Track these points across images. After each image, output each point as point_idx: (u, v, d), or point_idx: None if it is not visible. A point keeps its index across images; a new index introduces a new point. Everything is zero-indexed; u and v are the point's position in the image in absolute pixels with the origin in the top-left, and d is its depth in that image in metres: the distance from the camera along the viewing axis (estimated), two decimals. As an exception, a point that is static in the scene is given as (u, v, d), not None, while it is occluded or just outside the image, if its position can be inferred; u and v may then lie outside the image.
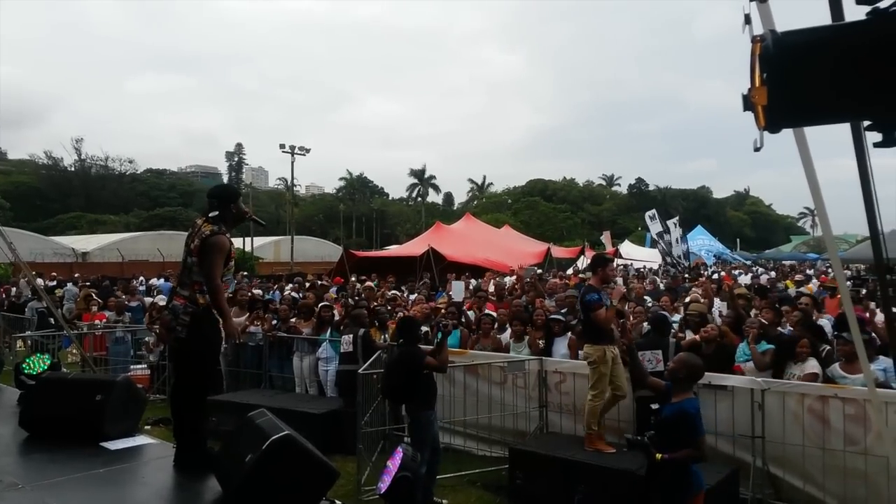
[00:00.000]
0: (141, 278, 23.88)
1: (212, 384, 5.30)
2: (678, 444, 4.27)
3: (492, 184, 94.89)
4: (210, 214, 4.34)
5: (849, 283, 15.61)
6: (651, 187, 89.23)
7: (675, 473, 4.33)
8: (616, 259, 30.39)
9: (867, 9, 1.77)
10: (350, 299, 12.09)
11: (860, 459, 5.80)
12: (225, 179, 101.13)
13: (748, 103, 1.74)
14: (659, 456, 4.26)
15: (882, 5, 1.69)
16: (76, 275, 27.58)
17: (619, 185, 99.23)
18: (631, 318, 8.04)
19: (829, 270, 27.52)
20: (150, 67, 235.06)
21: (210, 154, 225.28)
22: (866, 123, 2.12)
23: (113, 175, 76.56)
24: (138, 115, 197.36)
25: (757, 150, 1.78)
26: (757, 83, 1.70)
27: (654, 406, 4.67)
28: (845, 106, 1.89)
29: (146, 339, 11.61)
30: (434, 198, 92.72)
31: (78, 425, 4.65)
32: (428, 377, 6.17)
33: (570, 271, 25.30)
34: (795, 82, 1.75)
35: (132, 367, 11.34)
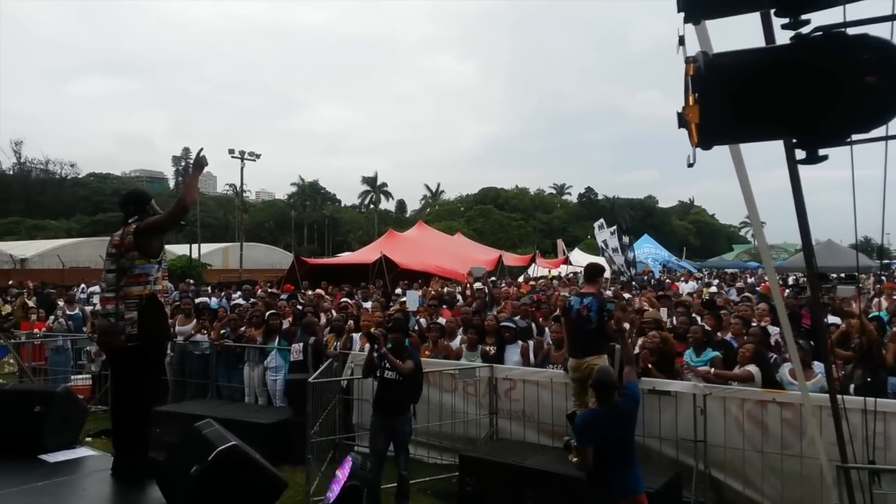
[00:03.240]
0: (82, 286, 23.12)
1: (157, 391, 5.22)
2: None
3: (444, 191, 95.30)
4: (130, 221, 4.37)
5: (788, 290, 16.21)
6: (600, 196, 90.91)
7: (589, 480, 4.64)
8: (567, 266, 30.88)
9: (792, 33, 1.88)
10: (300, 307, 11.96)
11: (796, 462, 6.04)
12: (171, 184, 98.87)
13: (682, 121, 1.83)
14: (573, 459, 4.53)
15: (805, 31, 1.80)
16: (10, 282, 26.55)
17: (569, 193, 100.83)
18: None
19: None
20: (90, 70, 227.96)
21: (155, 158, 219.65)
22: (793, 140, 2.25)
23: (54, 179, 74.19)
24: (78, 119, 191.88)
25: (690, 165, 1.87)
26: (690, 102, 1.79)
27: (568, 412, 4.83)
28: (771, 125, 2.00)
29: (87, 348, 11.28)
30: (386, 205, 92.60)
31: (16, 438, 4.47)
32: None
33: (521, 279, 25.57)
34: (725, 102, 1.84)
35: (73, 377, 11.01)
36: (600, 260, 34.28)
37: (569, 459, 4.58)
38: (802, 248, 3.33)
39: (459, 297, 13.68)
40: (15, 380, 10.82)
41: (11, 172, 71.68)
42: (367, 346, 6.98)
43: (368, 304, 12.38)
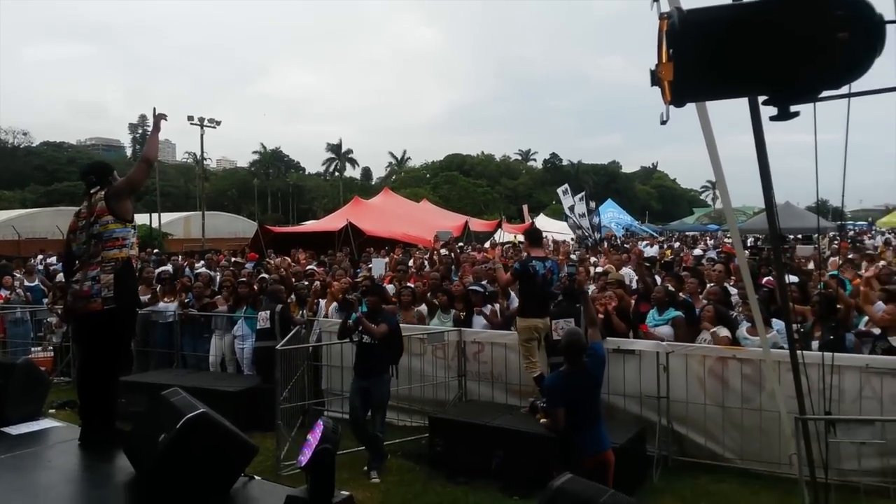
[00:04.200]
0: (40, 257, 22.51)
1: (127, 358, 5.19)
2: None
3: (410, 158, 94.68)
4: (92, 191, 4.34)
5: (747, 251, 16.59)
6: (565, 162, 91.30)
7: (555, 441, 4.79)
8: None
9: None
10: (266, 275, 11.84)
11: (755, 415, 6.25)
12: (129, 153, 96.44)
13: (655, 78, 1.82)
14: (541, 420, 4.60)
15: (777, -15, 1.80)
16: (-34, 254, 25.74)
17: (534, 160, 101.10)
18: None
19: (728, 240, 29.11)
20: (43, 36, 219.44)
21: (110, 126, 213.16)
22: (762, 98, 2.26)
23: (6, 148, 71.69)
24: (30, 86, 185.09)
25: (663, 123, 1.87)
26: (663, 59, 1.78)
27: (535, 374, 4.87)
28: (745, 81, 2.00)
29: (48, 319, 11.03)
30: (351, 172, 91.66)
31: (-25, 411, 4.39)
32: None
33: (487, 244, 25.67)
34: (698, 58, 1.84)
35: (33, 349, 10.78)
36: (564, 225, 34.65)
37: (537, 421, 4.64)
38: (765, 206, 3.39)
39: (426, 263, 13.65)
40: (-28, 353, 10.55)
41: (-40, 142, 69.08)
42: (341, 310, 7.02)
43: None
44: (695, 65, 1.81)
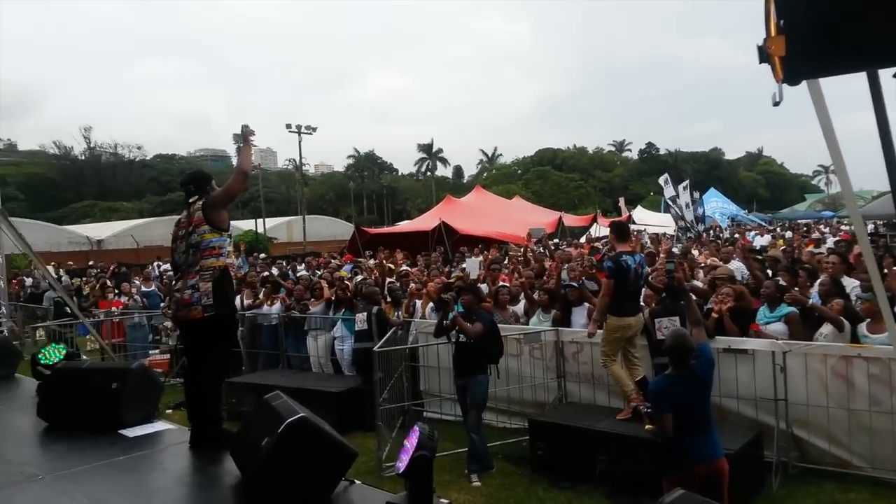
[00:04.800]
0: (157, 263, 23.98)
1: (229, 362, 5.39)
2: None
3: (501, 155, 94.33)
4: (191, 200, 4.45)
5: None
6: (661, 151, 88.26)
7: (661, 448, 4.49)
8: (630, 225, 30.19)
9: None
10: (363, 277, 12.05)
11: (886, 419, 5.72)
12: (234, 161, 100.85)
13: (764, 55, 1.62)
14: (647, 427, 4.33)
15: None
16: (91, 262, 27.78)
17: (629, 150, 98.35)
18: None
19: (846, 227, 27.15)
20: (146, 53, 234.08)
21: (214, 137, 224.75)
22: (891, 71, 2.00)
23: (123, 162, 77.01)
24: (139, 101, 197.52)
25: (776, 104, 1.66)
26: (773, 32, 1.58)
27: (638, 378, 4.62)
28: (870, 53, 1.75)
29: (164, 323, 11.67)
30: (443, 171, 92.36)
31: (96, 414, 4.65)
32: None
33: (583, 239, 25.15)
34: (814, 29, 1.61)
35: (151, 351, 11.43)
36: (663, 217, 33.43)
37: (644, 429, 4.39)
38: (891, 189, 3.05)
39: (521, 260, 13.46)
40: (98, 357, 11.30)
41: (83, 158, 74.67)
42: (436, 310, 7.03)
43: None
44: (810, 36, 1.58)
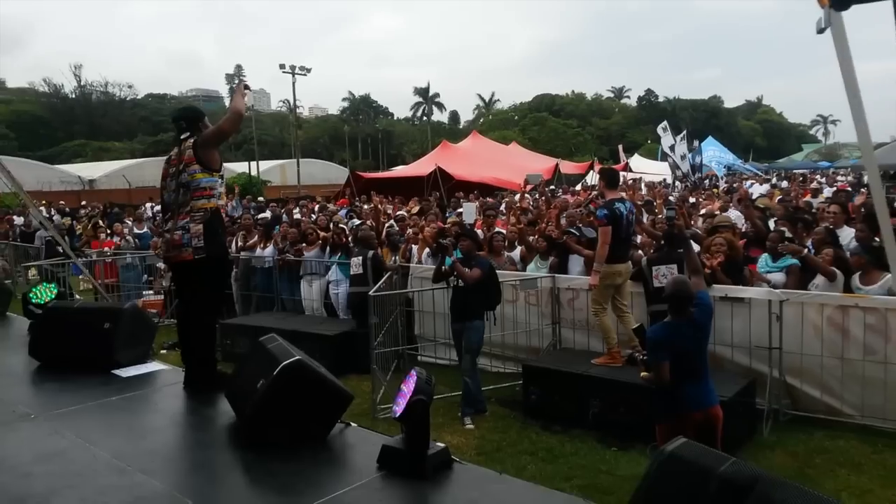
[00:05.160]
0: (149, 205, 23.76)
1: (221, 305, 5.34)
2: None
3: (498, 100, 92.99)
4: (182, 137, 4.29)
5: (863, 189, 15.30)
6: (661, 98, 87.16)
7: (654, 393, 4.45)
8: (626, 173, 29.99)
9: None
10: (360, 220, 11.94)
11: (879, 368, 5.75)
12: (227, 102, 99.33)
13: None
14: (642, 374, 4.31)
15: None
16: (83, 203, 27.53)
17: (628, 97, 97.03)
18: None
19: (840, 178, 27.00)
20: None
21: (205, 76, 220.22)
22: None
23: (114, 101, 75.66)
24: (130, 40, 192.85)
25: (821, 31, 1.54)
26: None
27: (635, 325, 4.60)
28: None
29: (158, 264, 11.60)
30: (439, 116, 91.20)
31: (88, 354, 4.60)
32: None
33: (579, 186, 25.00)
34: None
35: (144, 292, 11.39)
36: (660, 165, 33.17)
37: (639, 376, 4.37)
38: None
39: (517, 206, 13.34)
40: (91, 297, 11.26)
41: (74, 96, 73.33)
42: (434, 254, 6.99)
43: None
44: None
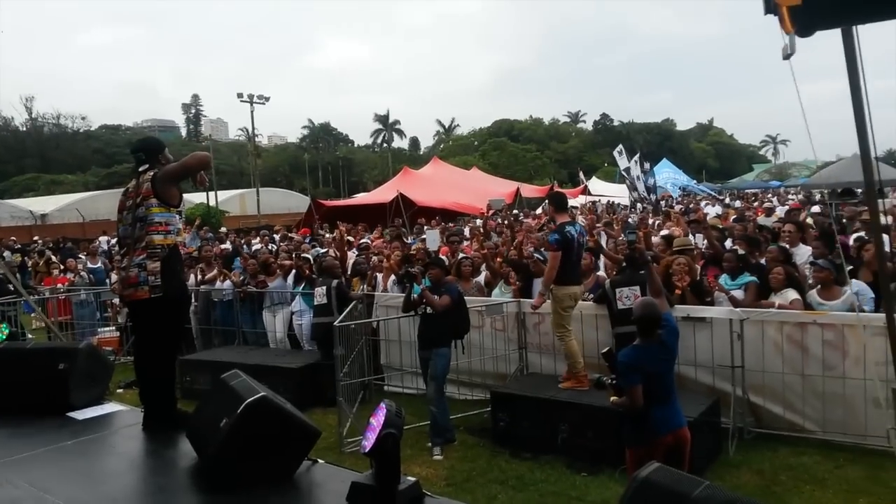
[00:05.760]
0: (104, 238, 23.19)
1: (180, 342, 5.19)
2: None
3: (458, 126, 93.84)
4: (140, 169, 4.19)
5: (816, 207, 15.78)
6: (616, 122, 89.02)
7: (623, 418, 4.43)
8: (586, 196, 30.45)
9: None
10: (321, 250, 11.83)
11: (838, 384, 5.88)
12: (183, 132, 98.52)
13: (771, 5, 1.52)
14: (612, 399, 4.30)
15: None
16: (35, 237, 26.75)
17: (584, 121, 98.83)
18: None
19: (791, 197, 27.81)
20: (95, 20, 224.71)
21: (161, 107, 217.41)
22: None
23: (66, 133, 74.04)
24: (84, 71, 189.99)
25: (787, 57, 1.57)
26: None
27: (604, 350, 4.62)
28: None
29: (112, 300, 11.29)
30: (400, 143, 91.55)
31: (42, 396, 4.41)
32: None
33: (538, 210, 25.25)
34: None
35: (100, 329, 11.06)
36: (618, 187, 33.75)
37: (609, 401, 4.34)
38: (861, 156, 3.03)
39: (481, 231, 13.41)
40: (44, 336, 10.88)
41: (25, 129, 71.62)
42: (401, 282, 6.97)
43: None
44: None
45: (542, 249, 8.49)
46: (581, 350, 6.84)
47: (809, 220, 10.22)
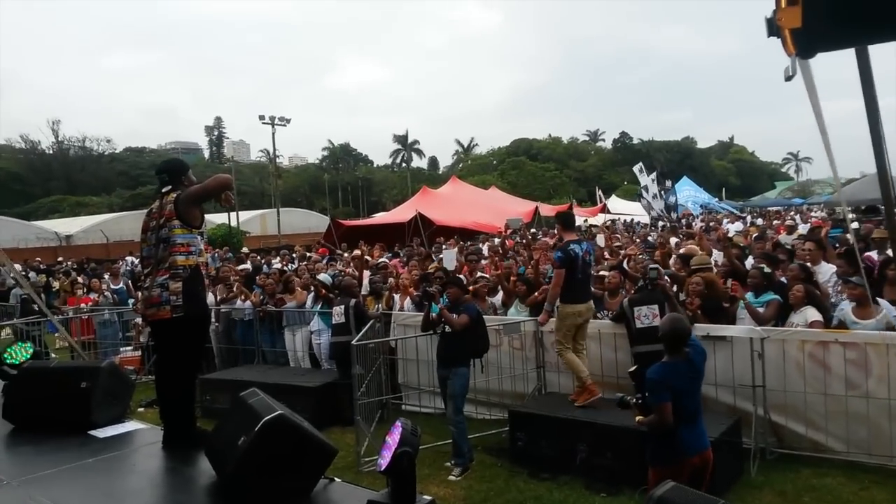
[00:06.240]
0: (128, 258, 23.53)
1: (203, 360, 5.26)
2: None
3: (477, 145, 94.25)
4: (164, 190, 4.25)
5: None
6: (635, 140, 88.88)
7: (648, 437, 4.35)
8: (605, 214, 30.38)
9: None
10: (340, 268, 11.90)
11: (862, 403, 5.78)
12: (206, 154, 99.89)
13: (773, 28, 1.54)
14: (638, 418, 4.24)
15: None
16: (59, 258, 27.21)
17: (603, 140, 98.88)
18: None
19: (815, 214, 27.52)
20: (119, 44, 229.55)
21: (183, 129, 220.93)
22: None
23: (92, 156, 75.46)
24: (109, 94, 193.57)
25: (788, 79, 1.58)
26: (783, 4, 1.50)
27: (631, 369, 4.57)
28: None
29: (135, 320, 11.43)
30: (419, 163, 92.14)
31: (64, 415, 4.47)
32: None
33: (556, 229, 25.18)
34: None
35: (122, 349, 11.20)
36: (638, 205, 33.64)
37: (635, 420, 4.25)
38: (878, 175, 3.03)
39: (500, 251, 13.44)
40: (67, 355, 11.04)
41: (51, 152, 73.10)
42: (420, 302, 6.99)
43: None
44: (829, 5, 1.49)
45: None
46: (600, 369, 6.83)
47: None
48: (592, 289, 8.19)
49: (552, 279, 6.79)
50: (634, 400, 4.24)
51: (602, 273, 8.23)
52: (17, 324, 11.26)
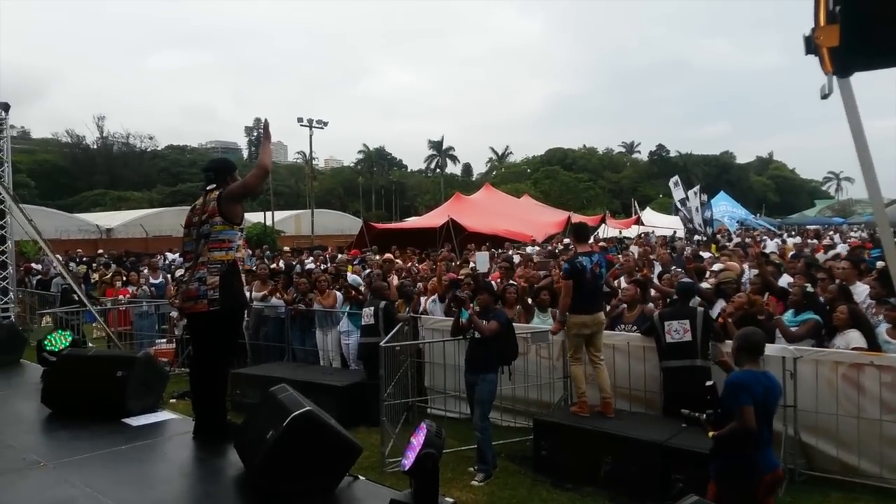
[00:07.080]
0: (167, 253, 24.00)
1: (236, 354, 5.34)
2: (729, 420, 4.02)
3: (511, 153, 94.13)
4: (208, 188, 4.37)
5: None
6: (672, 153, 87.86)
7: (717, 453, 4.17)
8: (639, 227, 30.07)
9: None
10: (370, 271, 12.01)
11: (896, 428, 5.65)
12: (245, 154, 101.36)
13: (811, 46, 1.54)
14: (710, 433, 4.09)
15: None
16: (100, 251, 27.87)
17: (639, 152, 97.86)
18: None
19: (853, 234, 26.90)
20: (158, 44, 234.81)
21: (222, 129, 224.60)
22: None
23: (134, 152, 77.17)
24: (151, 93, 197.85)
25: (825, 97, 1.58)
26: (822, 22, 1.50)
27: (709, 382, 4.46)
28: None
29: (171, 313, 11.67)
30: (453, 169, 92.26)
31: (100, 402, 4.63)
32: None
33: (590, 240, 25.02)
34: (872, 16, 1.51)
35: (157, 341, 11.44)
36: (672, 219, 33.24)
37: (709, 436, 4.09)
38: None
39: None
40: (104, 344, 11.32)
41: (95, 146, 74.96)
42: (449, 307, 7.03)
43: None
44: (869, 23, 1.49)
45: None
46: (628, 381, 6.78)
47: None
48: (614, 300, 8.20)
49: (562, 290, 6.90)
50: (705, 416, 4.11)
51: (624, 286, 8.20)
52: (58, 312, 11.57)
